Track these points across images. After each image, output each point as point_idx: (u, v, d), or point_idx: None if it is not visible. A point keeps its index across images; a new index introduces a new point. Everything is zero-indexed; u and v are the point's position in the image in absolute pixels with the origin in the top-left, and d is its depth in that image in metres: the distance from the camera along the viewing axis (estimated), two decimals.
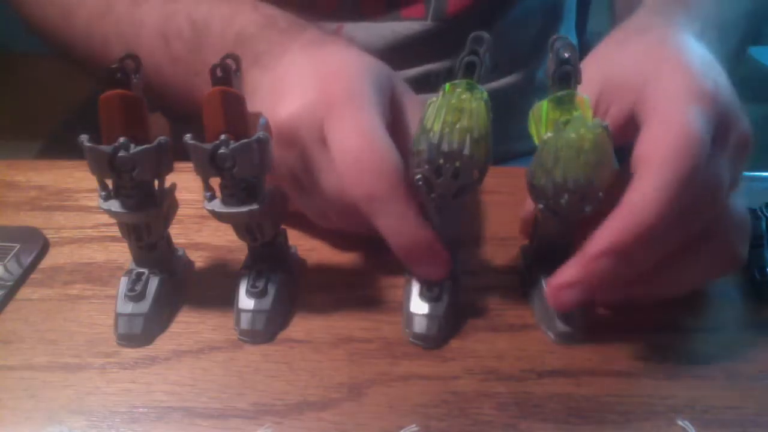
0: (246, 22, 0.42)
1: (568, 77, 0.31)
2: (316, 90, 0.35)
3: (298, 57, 0.39)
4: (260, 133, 0.31)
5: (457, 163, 0.32)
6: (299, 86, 0.36)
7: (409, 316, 0.36)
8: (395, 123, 0.37)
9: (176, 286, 0.38)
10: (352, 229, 0.40)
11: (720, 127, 0.32)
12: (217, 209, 0.33)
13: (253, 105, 0.34)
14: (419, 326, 0.35)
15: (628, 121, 0.34)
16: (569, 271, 0.33)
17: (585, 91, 0.33)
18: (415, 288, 0.36)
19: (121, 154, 0.31)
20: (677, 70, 0.33)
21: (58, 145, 0.65)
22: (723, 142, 0.32)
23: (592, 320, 0.37)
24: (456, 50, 0.58)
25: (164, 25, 0.46)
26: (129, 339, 0.36)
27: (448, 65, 0.57)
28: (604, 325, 0.37)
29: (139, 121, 0.32)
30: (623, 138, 0.34)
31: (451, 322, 0.36)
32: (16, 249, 0.41)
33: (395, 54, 0.55)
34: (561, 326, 0.35)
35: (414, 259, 0.35)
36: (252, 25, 0.42)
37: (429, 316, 0.35)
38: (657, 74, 0.33)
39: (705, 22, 0.40)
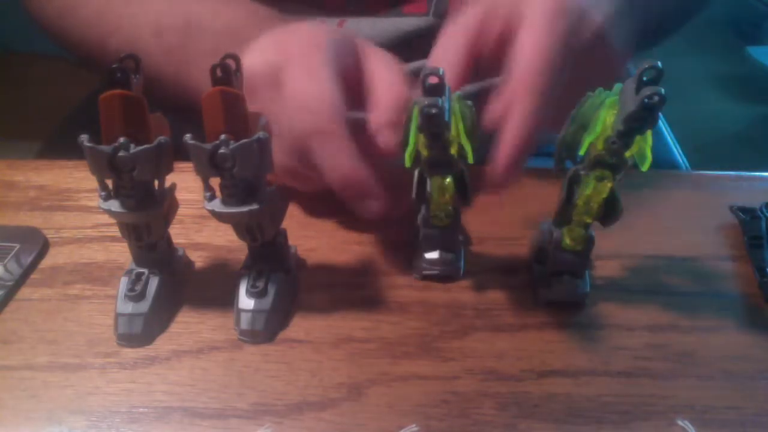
0: (233, 15, 0.47)
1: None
2: (276, 46, 0.39)
3: (270, 32, 0.42)
4: (260, 133, 0.31)
5: None
6: (261, 46, 0.40)
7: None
8: (355, 78, 0.40)
9: (176, 286, 0.38)
10: (298, 180, 0.41)
11: (577, 22, 0.38)
12: (217, 209, 0.33)
13: None
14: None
15: (505, 35, 0.39)
16: (510, 154, 0.36)
17: (472, 14, 0.39)
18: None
19: (121, 154, 0.31)
20: None
21: (58, 145, 0.65)
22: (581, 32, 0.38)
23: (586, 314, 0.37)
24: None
25: (158, 21, 0.49)
26: (129, 339, 0.36)
27: None
28: (604, 324, 0.37)
29: (139, 121, 0.32)
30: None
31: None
32: (16, 249, 0.41)
33: (397, 48, 0.55)
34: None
35: (350, 195, 0.38)
36: (239, 17, 0.47)
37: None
38: None
39: None
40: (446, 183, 0.36)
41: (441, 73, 0.30)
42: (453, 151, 0.33)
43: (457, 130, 0.33)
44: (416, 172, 0.37)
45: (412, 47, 0.56)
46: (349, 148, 0.37)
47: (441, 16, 0.56)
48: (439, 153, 0.33)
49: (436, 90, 0.30)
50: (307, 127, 0.36)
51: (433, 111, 0.30)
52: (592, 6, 0.40)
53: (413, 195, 0.37)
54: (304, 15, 0.56)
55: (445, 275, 0.40)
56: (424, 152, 0.34)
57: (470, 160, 0.33)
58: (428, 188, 0.36)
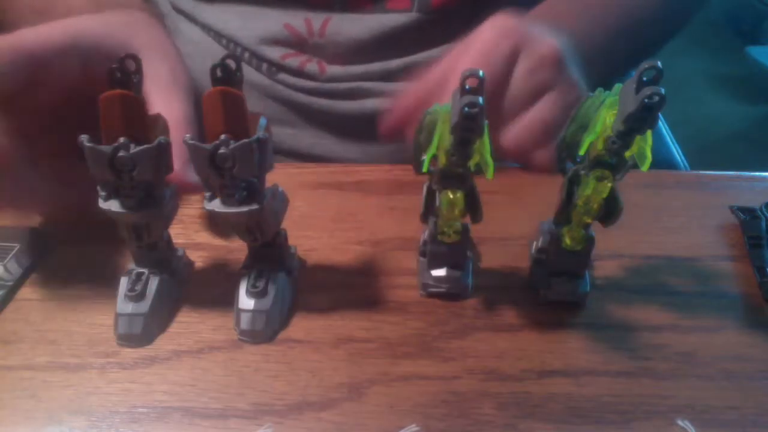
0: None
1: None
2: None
3: None
4: (260, 133, 0.31)
5: None
6: None
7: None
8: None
9: (176, 286, 0.38)
10: None
11: (527, 43, 0.44)
12: (217, 209, 0.33)
13: None
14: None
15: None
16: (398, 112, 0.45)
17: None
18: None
19: (121, 154, 0.31)
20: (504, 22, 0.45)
21: None
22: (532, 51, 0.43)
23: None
24: (440, 41, 0.61)
25: None
26: (129, 339, 0.36)
27: (434, 55, 0.57)
28: (604, 324, 0.37)
29: (139, 121, 0.32)
30: None
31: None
32: (16, 249, 0.41)
33: (381, 45, 0.55)
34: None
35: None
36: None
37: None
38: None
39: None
40: (457, 197, 0.34)
41: (481, 75, 0.29)
42: (473, 163, 0.32)
43: (482, 143, 0.31)
44: (425, 186, 0.36)
45: (395, 43, 0.56)
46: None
47: (424, 11, 0.56)
48: (458, 161, 0.31)
49: (476, 93, 0.29)
50: None
51: (475, 110, 0.28)
52: (544, 31, 0.44)
53: (422, 209, 0.36)
54: (288, 11, 0.56)
55: (453, 293, 0.38)
56: (442, 160, 0.32)
57: (490, 176, 0.31)
58: (437, 203, 0.35)
